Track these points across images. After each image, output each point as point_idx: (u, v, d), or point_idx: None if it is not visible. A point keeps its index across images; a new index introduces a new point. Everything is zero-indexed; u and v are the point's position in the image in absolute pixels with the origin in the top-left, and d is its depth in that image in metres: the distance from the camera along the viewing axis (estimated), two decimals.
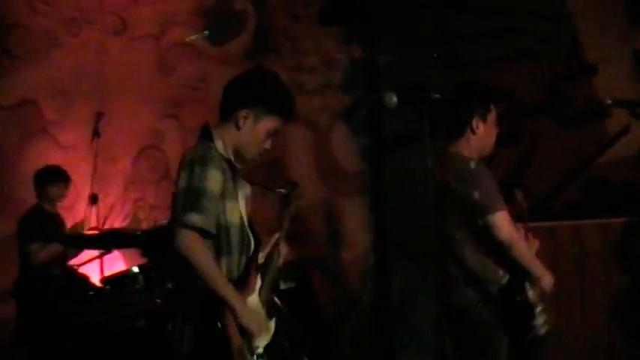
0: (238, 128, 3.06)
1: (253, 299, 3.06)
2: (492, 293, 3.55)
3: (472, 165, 3.60)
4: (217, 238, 2.96)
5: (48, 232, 5.72)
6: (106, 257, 6.08)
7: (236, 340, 2.89)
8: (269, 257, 3.22)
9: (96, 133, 6.56)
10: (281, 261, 3.31)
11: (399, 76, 5.75)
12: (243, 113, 3.05)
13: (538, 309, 3.60)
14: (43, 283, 5.40)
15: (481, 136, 3.69)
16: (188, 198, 2.88)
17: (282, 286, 5.36)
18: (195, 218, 2.83)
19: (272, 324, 3.17)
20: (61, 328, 4.83)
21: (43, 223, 5.76)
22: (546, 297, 3.64)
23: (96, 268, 6.09)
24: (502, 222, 3.47)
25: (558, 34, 5.73)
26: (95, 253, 5.89)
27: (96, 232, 5.96)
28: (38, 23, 6.98)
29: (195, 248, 2.84)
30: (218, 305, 2.88)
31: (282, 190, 3.62)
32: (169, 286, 4.99)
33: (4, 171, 6.48)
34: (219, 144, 3.04)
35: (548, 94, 5.77)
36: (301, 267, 5.87)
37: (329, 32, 6.49)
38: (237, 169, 3.09)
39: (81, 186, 6.78)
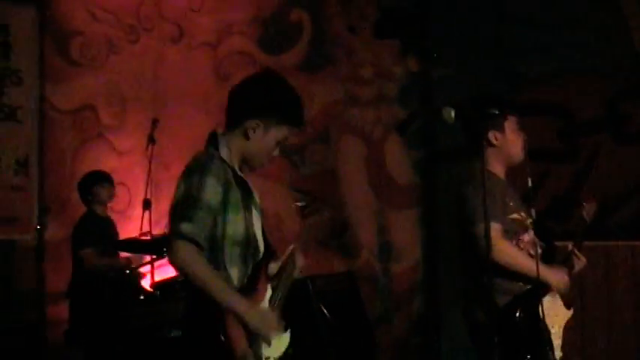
0: (248, 138, 2.96)
1: (262, 308, 2.95)
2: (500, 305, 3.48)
3: (475, 177, 3.50)
4: (221, 250, 2.86)
5: (101, 237, 5.80)
6: (157, 262, 6.15)
7: (240, 348, 2.76)
8: (282, 268, 3.12)
9: (151, 140, 6.62)
10: (297, 273, 3.17)
11: (453, 90, 5.73)
12: (252, 124, 2.94)
13: (553, 330, 3.52)
14: (96, 285, 5.46)
15: (501, 146, 3.66)
16: (183, 207, 2.79)
17: (331, 297, 5.35)
18: (188, 228, 2.74)
19: (286, 336, 3.05)
20: (113, 331, 4.87)
21: (96, 228, 5.84)
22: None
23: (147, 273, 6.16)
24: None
25: (619, 49, 5.65)
26: (147, 258, 5.96)
27: (148, 237, 6.01)
28: (98, 30, 7.10)
29: (189, 258, 2.74)
30: (219, 316, 2.74)
31: (300, 204, 3.49)
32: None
33: (61, 175, 6.59)
34: (224, 152, 2.95)
35: (607, 111, 5.69)
36: (350, 278, 5.85)
37: (385, 44, 6.50)
38: (244, 177, 2.99)
39: (135, 191, 6.87)
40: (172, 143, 7.23)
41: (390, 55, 6.48)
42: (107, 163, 6.66)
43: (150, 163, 6.57)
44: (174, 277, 5.78)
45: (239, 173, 2.97)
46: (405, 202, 6.25)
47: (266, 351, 2.91)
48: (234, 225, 2.89)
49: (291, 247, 3.18)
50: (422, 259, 6.13)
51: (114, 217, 6.21)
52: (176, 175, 7.52)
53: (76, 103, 6.82)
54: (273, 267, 3.11)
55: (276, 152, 3.04)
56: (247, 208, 2.97)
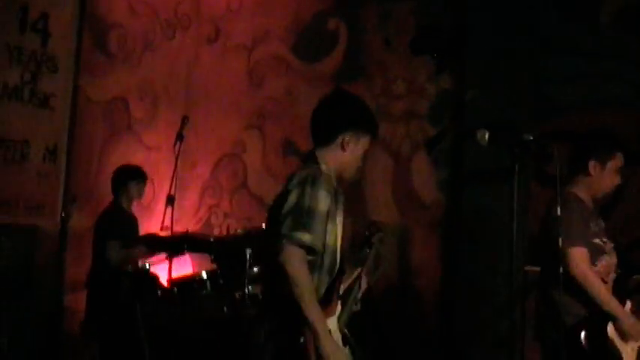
0: (344, 150, 3.23)
1: (332, 322, 3.10)
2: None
3: (568, 198, 3.73)
4: (321, 258, 3.07)
5: (125, 231, 5.84)
6: (176, 259, 6.18)
7: (313, 357, 2.93)
8: (349, 289, 3.31)
9: (179, 137, 6.65)
10: (360, 295, 3.39)
11: (484, 112, 5.72)
12: (347, 136, 3.22)
13: (625, 352, 3.64)
14: (115, 278, 5.49)
15: (595, 179, 3.86)
16: (300, 216, 2.99)
17: (353, 308, 5.35)
18: (305, 237, 2.96)
19: (347, 352, 3.20)
20: (128, 325, 4.90)
21: (121, 222, 5.89)
22: None
23: (165, 269, 6.19)
24: (575, 257, 3.61)
25: None
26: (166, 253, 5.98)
27: (169, 232, 6.04)
28: (136, 25, 7.16)
29: (300, 266, 2.94)
30: (302, 324, 2.93)
31: (366, 233, 3.64)
32: (237, 295, 5.04)
33: (89, 165, 6.65)
34: (324, 167, 3.18)
35: (638, 143, 5.65)
36: (369, 291, 5.85)
37: (419, 61, 6.49)
38: (340, 191, 3.23)
39: (160, 187, 6.92)
40: (200, 142, 7.28)
41: (424, 72, 6.47)
42: (135, 156, 6.72)
43: (176, 160, 6.61)
44: (193, 275, 5.83)
45: (336, 188, 3.22)
46: (428, 220, 6.23)
47: None
48: (331, 235, 3.12)
49: (358, 269, 3.40)
50: (440, 279, 6.11)
51: (137, 209, 6.25)
52: (201, 174, 7.65)
53: (109, 95, 6.89)
54: (341, 287, 3.27)
55: (361, 162, 3.33)
56: (340, 221, 3.22)
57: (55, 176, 6.07)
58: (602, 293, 3.67)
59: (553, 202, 3.68)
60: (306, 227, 2.97)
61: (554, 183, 3.58)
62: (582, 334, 3.64)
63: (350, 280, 3.35)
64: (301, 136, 6.55)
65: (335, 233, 3.14)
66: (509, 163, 3.32)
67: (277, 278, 2.97)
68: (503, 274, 5.12)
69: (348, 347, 3.22)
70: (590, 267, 3.71)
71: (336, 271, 3.18)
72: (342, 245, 3.24)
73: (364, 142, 3.28)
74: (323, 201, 3.03)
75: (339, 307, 3.18)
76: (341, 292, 3.23)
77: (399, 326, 6.20)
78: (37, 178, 5.95)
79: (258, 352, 3.06)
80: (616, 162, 3.86)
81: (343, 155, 3.24)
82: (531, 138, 3.26)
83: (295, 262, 2.94)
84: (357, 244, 3.60)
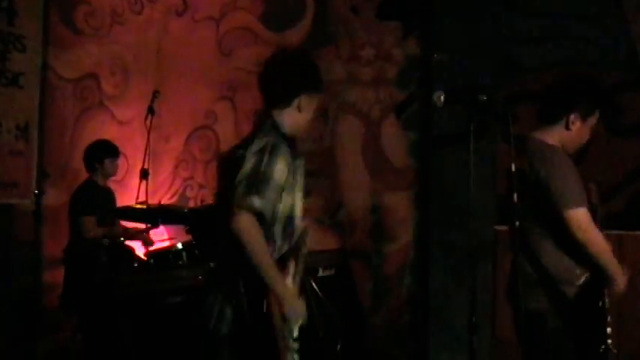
0: (300, 112, 3.29)
1: (288, 282, 3.16)
2: (568, 296, 3.44)
3: (555, 154, 3.48)
4: (273, 225, 3.12)
5: (101, 206, 5.92)
6: (152, 232, 6.27)
7: (278, 321, 3.03)
8: (297, 246, 3.29)
9: (151, 111, 6.71)
10: (306, 250, 3.34)
11: (452, 75, 5.82)
12: (303, 98, 3.28)
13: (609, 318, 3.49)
14: (92, 252, 5.58)
15: (573, 134, 3.57)
16: (254, 182, 3.02)
17: (322, 273, 5.48)
18: (257, 202, 2.98)
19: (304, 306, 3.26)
20: (106, 297, 4.99)
21: (96, 197, 5.96)
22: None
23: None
24: (580, 219, 3.34)
25: (616, 43, 5.72)
26: (142, 226, 6.07)
27: (144, 206, 6.12)
28: (103, 0, 7.17)
29: (252, 231, 2.98)
30: (264, 289, 3.02)
31: None
32: (211, 265, 5.13)
33: (62, 142, 6.68)
34: (284, 130, 3.24)
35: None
36: (342, 256, 5.98)
37: (387, 26, 6.57)
38: (300, 157, 3.27)
39: (133, 161, 6.98)
40: (172, 115, 7.34)
41: (392, 37, 6.55)
42: (107, 132, 6.76)
43: (149, 133, 6.67)
44: (168, 246, 5.93)
45: (289, 149, 3.20)
46: (399, 184, 6.35)
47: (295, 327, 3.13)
48: (284, 203, 3.14)
49: (303, 225, 3.33)
50: (413, 241, 6.25)
51: (111, 185, 6.33)
52: (174, 147, 7.71)
53: (78, 71, 6.89)
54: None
55: (312, 122, 3.40)
56: (294, 187, 3.20)
57: (27, 154, 6.08)
58: (608, 253, 3.41)
59: (529, 152, 3.52)
60: (258, 193, 3.00)
61: (520, 141, 3.56)
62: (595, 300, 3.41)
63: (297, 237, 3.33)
64: None
65: (292, 202, 3.18)
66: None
67: (232, 245, 3.01)
68: (472, 234, 5.25)
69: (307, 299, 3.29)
70: (596, 228, 3.41)
71: (295, 235, 3.23)
72: (302, 214, 3.27)
73: (317, 100, 3.35)
74: (280, 171, 3.06)
75: (292, 267, 3.22)
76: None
77: (373, 289, 6.34)
78: (10, 157, 5.96)
79: (212, 323, 3.13)
80: (595, 118, 3.60)
81: (299, 116, 3.29)
82: (485, 98, 3.29)
83: (248, 227, 2.97)
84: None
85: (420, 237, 6.18)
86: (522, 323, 3.40)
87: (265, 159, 3.06)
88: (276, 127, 3.23)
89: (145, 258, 5.74)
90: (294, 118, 3.28)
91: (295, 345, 3.08)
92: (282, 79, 3.32)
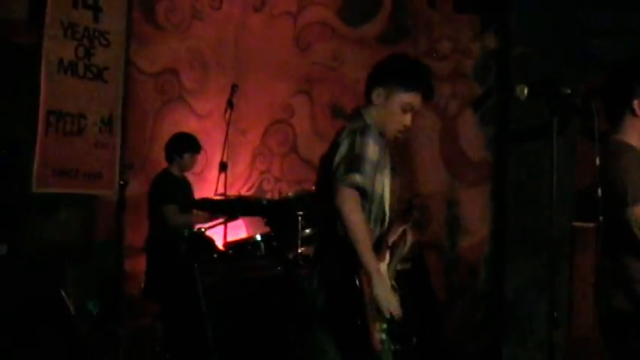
0: (376, 105, 3.34)
1: (383, 268, 3.25)
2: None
3: (623, 152, 3.29)
4: (371, 205, 3.22)
5: (179, 196, 6.05)
6: (230, 224, 6.38)
7: (368, 299, 3.07)
8: (395, 245, 3.38)
9: (230, 104, 6.82)
10: (406, 251, 3.45)
11: (530, 69, 5.76)
12: (377, 90, 3.33)
13: None
14: (172, 241, 5.71)
15: None
16: (350, 162, 3.11)
17: (398, 267, 5.49)
18: (357, 178, 3.07)
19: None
20: (186, 286, 5.11)
21: (175, 187, 6.09)
22: None
23: (220, 233, 6.40)
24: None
25: None
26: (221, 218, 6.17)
27: (223, 198, 6.23)
28: None
29: (354, 206, 3.07)
30: (357, 267, 3.08)
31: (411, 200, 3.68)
32: (290, 256, 5.22)
33: (144, 133, 6.86)
34: (369, 122, 3.30)
35: None
36: (418, 250, 5.98)
37: (464, 20, 6.54)
38: (388, 146, 3.32)
39: (212, 154, 7.11)
40: (250, 109, 7.45)
41: (469, 31, 6.52)
42: (187, 125, 6.91)
43: (227, 127, 6.78)
44: (247, 237, 6.03)
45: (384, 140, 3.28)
46: (476, 178, 6.33)
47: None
48: (379, 184, 3.23)
49: (403, 226, 3.43)
50: (489, 236, 6.21)
51: (190, 177, 6.46)
52: (252, 140, 7.82)
53: (159, 66, 7.06)
54: (389, 241, 3.38)
55: (406, 121, 3.35)
56: (390, 173, 3.31)
57: (111, 146, 6.27)
58: None
59: (605, 153, 3.30)
60: (358, 170, 3.08)
61: (600, 137, 3.47)
62: None
63: (396, 237, 3.42)
64: (349, 99, 6.67)
65: (383, 184, 3.25)
66: (549, 118, 3.31)
67: (331, 225, 3.12)
68: (550, 229, 5.20)
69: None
70: None
71: (386, 222, 3.32)
72: (392, 198, 3.34)
73: (400, 97, 3.30)
74: (372, 149, 3.13)
75: (387, 258, 3.31)
76: (390, 243, 3.35)
77: (448, 283, 6.33)
78: (95, 149, 6.16)
79: (311, 297, 3.24)
80: None
81: (378, 110, 3.33)
82: (569, 92, 3.25)
83: (351, 203, 3.06)
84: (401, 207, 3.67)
85: (496, 232, 6.14)
86: (607, 323, 3.35)
87: (358, 140, 3.15)
88: (363, 118, 3.33)
89: (224, 248, 5.84)
90: (374, 112, 3.34)
91: (384, 325, 3.14)
92: (369, 73, 3.42)
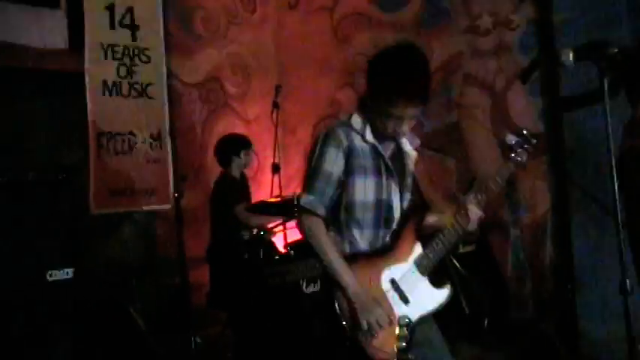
0: (369, 100, 3.14)
1: (403, 267, 3.15)
2: None
3: None
4: (349, 213, 3.11)
5: (245, 196, 6.08)
6: (288, 225, 6.39)
7: (349, 315, 3.00)
8: (436, 234, 3.23)
9: (275, 106, 6.83)
10: (467, 225, 3.23)
11: (575, 35, 5.64)
12: (371, 86, 3.12)
13: None
14: (234, 247, 5.74)
15: None
16: (305, 179, 3.12)
17: (462, 250, 5.45)
18: (306, 199, 3.07)
19: (443, 292, 3.22)
20: (251, 291, 5.14)
21: (236, 187, 6.09)
22: None
23: (280, 234, 6.42)
24: None
25: None
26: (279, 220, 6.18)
27: (279, 199, 6.24)
28: (217, 3, 7.36)
29: (310, 228, 3.07)
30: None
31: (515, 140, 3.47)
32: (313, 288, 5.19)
33: (194, 144, 6.93)
34: (355, 119, 3.17)
35: None
36: (480, 230, 5.91)
37: None
38: (375, 143, 3.17)
39: (263, 157, 7.16)
40: (296, 107, 7.46)
41: (509, 3, 6.41)
42: (235, 131, 6.95)
43: (276, 128, 6.80)
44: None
45: (368, 139, 3.14)
46: (532, 151, 6.22)
47: (403, 310, 3.07)
48: (363, 190, 3.11)
49: (465, 202, 3.25)
50: (551, 209, 6.11)
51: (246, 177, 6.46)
52: (302, 139, 7.82)
53: (201, 75, 7.13)
54: (434, 219, 3.29)
55: (402, 125, 3.10)
56: (382, 174, 3.16)
57: (163, 160, 6.36)
58: None
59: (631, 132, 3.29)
60: (306, 189, 3.09)
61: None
62: None
63: (439, 224, 3.28)
64: None
65: (371, 186, 3.13)
66: (599, 82, 3.22)
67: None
68: (614, 195, 5.09)
69: (447, 287, 3.24)
70: None
71: (392, 222, 3.19)
72: (400, 193, 3.23)
73: (386, 106, 3.04)
74: (331, 159, 3.07)
75: (416, 250, 3.20)
76: (437, 224, 3.26)
77: (515, 261, 6.24)
78: (147, 165, 6.26)
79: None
80: None
81: (370, 111, 3.13)
82: (616, 51, 3.15)
83: (305, 223, 3.08)
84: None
85: (558, 203, 6.04)
86: None
87: (317, 150, 3.12)
88: (351, 113, 3.21)
89: (285, 250, 5.86)
90: (370, 110, 3.15)
91: (403, 332, 2.89)
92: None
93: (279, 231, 6.12)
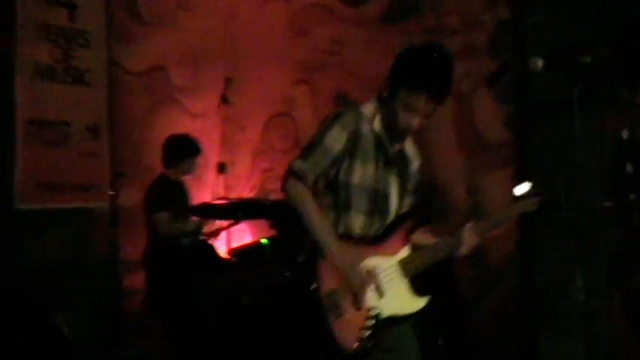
0: (382, 97, 3.37)
1: (387, 261, 3.31)
2: None
3: None
4: (336, 193, 3.30)
5: (175, 201, 6.03)
6: (233, 229, 6.36)
7: (330, 284, 3.15)
8: (438, 243, 3.42)
9: (224, 100, 6.79)
10: (463, 250, 3.42)
11: (549, 39, 5.70)
12: (386, 84, 3.34)
13: None
14: (172, 253, 5.69)
15: None
16: (304, 148, 3.28)
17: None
18: (300, 164, 3.22)
19: (419, 301, 3.39)
20: (190, 299, 5.10)
21: (170, 192, 6.06)
22: None
23: (223, 239, 6.39)
24: None
25: None
26: (223, 223, 6.15)
27: (224, 202, 6.21)
28: None
29: (296, 192, 3.21)
30: (315, 256, 3.19)
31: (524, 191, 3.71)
32: (300, 259, 5.19)
33: (133, 139, 6.84)
34: (366, 108, 3.40)
35: None
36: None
37: None
38: (382, 137, 3.37)
39: (209, 155, 7.09)
40: (247, 104, 7.42)
41: (480, 2, 6.46)
42: (180, 125, 6.88)
43: (223, 124, 6.76)
44: (252, 242, 6.01)
45: (376, 128, 3.36)
46: (496, 162, 6.28)
47: (375, 301, 3.22)
48: (362, 174, 3.31)
49: (465, 226, 3.43)
50: (515, 223, 6.16)
51: (187, 182, 6.43)
52: (251, 137, 7.79)
53: (145, 64, 7.03)
54: (425, 239, 3.45)
55: (410, 121, 3.28)
56: (381, 165, 3.36)
57: (99, 154, 6.28)
58: None
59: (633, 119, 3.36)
60: (303, 156, 3.24)
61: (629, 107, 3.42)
62: None
63: (429, 234, 3.48)
64: (353, 86, 6.65)
65: (371, 174, 3.32)
66: (568, 89, 3.27)
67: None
68: (582, 211, 5.16)
69: (424, 298, 3.39)
70: None
71: (387, 216, 3.39)
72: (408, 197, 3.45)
73: (401, 95, 3.26)
74: (332, 136, 3.25)
75: (404, 251, 3.36)
76: (417, 240, 3.41)
77: (475, 277, 6.28)
78: (81, 159, 6.17)
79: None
80: None
81: (384, 103, 3.36)
82: (589, 60, 3.20)
83: (290, 188, 3.22)
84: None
85: (524, 217, 6.08)
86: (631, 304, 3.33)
87: (324, 124, 3.30)
88: (364, 105, 3.42)
89: (228, 256, 5.83)
90: (384, 104, 3.38)
91: (369, 322, 3.15)
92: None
93: (217, 236, 6.08)
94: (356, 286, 3.17)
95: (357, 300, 3.17)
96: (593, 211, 5.36)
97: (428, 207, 3.64)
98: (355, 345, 3.09)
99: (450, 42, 6.49)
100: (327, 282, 3.15)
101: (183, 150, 6.14)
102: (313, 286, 3.13)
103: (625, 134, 3.15)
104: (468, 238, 3.40)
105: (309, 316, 3.18)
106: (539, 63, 3.21)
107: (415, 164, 3.55)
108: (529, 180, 3.59)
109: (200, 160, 6.32)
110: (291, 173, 3.22)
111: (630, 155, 3.15)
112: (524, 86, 5.94)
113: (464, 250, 3.40)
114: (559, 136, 5.55)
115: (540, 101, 5.74)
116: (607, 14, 5.74)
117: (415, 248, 3.39)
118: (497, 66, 6.25)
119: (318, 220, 3.20)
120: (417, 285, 3.37)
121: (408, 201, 3.50)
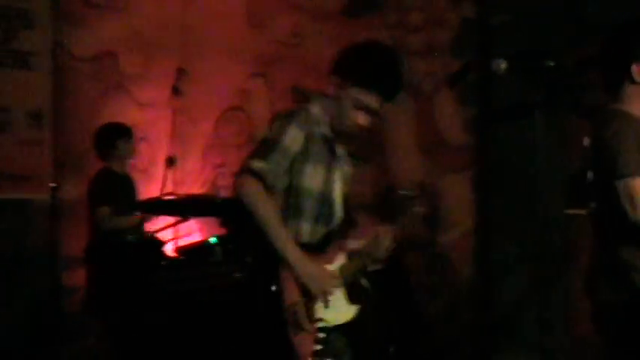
0: (330, 94, 3.35)
1: (330, 270, 3.27)
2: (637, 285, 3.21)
3: (615, 117, 3.25)
4: (296, 199, 3.26)
5: (119, 196, 5.97)
6: (182, 225, 6.32)
7: (290, 299, 3.10)
8: (365, 247, 3.42)
9: (176, 91, 6.74)
10: (381, 254, 3.48)
11: (513, 39, 5.76)
12: (334, 79, 3.33)
13: None
14: (116, 249, 5.64)
15: None
16: (260, 146, 3.20)
17: (370, 267, 5.47)
18: (259, 165, 3.12)
19: (352, 308, 3.33)
20: (134, 299, 5.06)
21: (114, 186, 5.99)
22: None
23: (170, 236, 6.34)
24: (632, 190, 3.08)
25: None
26: (170, 220, 6.11)
27: (172, 197, 6.17)
28: None
29: (254, 194, 3.11)
30: (275, 264, 3.12)
31: (407, 193, 3.74)
32: (249, 259, 5.19)
33: (78, 128, 6.75)
34: (314, 108, 3.36)
35: None
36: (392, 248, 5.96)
37: None
38: (335, 141, 3.36)
39: (158, 148, 7.03)
40: (199, 96, 7.36)
41: (444, 0, 6.51)
42: (128, 115, 6.80)
43: (174, 116, 6.72)
44: (201, 241, 5.97)
45: (324, 131, 3.34)
46: (456, 165, 6.33)
47: (323, 313, 3.20)
48: (312, 178, 3.29)
49: (381, 229, 3.46)
50: (473, 228, 6.22)
51: (134, 176, 6.38)
52: (204, 131, 7.75)
53: (94, 49, 6.94)
54: (355, 243, 3.43)
55: (360, 120, 3.30)
56: (329, 169, 3.35)
57: (41, 143, 6.20)
58: None
59: (597, 124, 3.26)
60: (263, 157, 3.14)
61: (595, 112, 3.43)
62: None
63: (369, 239, 3.46)
64: (311, 81, 6.65)
65: (320, 178, 3.30)
66: (531, 93, 3.30)
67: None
68: (542, 219, 5.21)
69: (357, 306, 3.35)
70: None
71: (334, 221, 3.38)
72: (345, 196, 3.43)
73: (352, 93, 3.27)
74: (291, 136, 3.19)
75: (340, 259, 3.33)
76: (350, 245, 3.38)
77: (430, 283, 6.33)
78: (22, 147, 6.08)
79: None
80: None
81: (330, 100, 3.35)
82: (552, 64, 3.23)
83: (248, 189, 3.11)
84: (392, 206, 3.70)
85: (481, 223, 6.15)
86: (601, 318, 3.35)
87: (277, 124, 3.24)
88: (308, 104, 3.39)
89: (176, 254, 5.79)
90: (329, 101, 3.38)
91: (320, 334, 3.13)
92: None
93: (157, 231, 6.03)
94: (319, 296, 3.16)
95: (310, 312, 3.15)
96: (555, 220, 5.44)
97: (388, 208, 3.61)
98: None
99: (412, 39, 6.55)
100: (289, 293, 3.12)
101: (110, 134, 6.06)
102: (274, 288, 3.09)
103: (586, 141, 3.16)
104: (387, 244, 3.46)
105: (267, 321, 3.17)
106: (502, 65, 3.23)
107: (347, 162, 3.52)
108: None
109: (132, 142, 6.24)
110: (248, 172, 3.12)
111: (592, 163, 3.17)
112: (487, 88, 5.99)
113: (382, 254, 3.46)
114: (520, 140, 5.63)
115: (503, 104, 5.80)
116: (574, 18, 5.82)
117: (350, 255, 3.38)
118: (461, 66, 6.29)
119: (278, 226, 3.14)
120: (352, 293, 3.36)
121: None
